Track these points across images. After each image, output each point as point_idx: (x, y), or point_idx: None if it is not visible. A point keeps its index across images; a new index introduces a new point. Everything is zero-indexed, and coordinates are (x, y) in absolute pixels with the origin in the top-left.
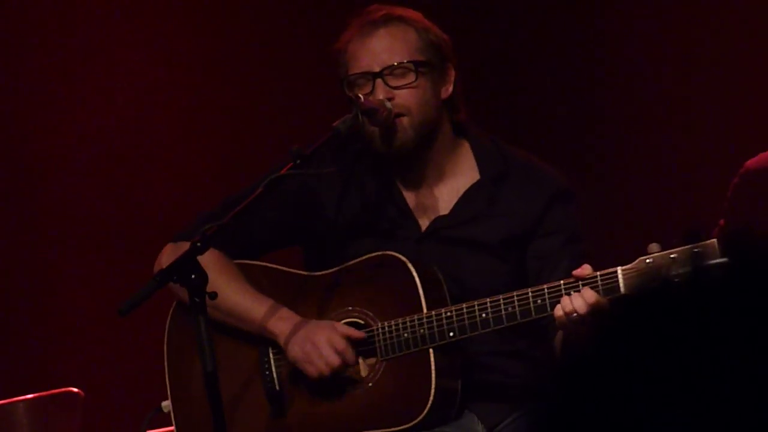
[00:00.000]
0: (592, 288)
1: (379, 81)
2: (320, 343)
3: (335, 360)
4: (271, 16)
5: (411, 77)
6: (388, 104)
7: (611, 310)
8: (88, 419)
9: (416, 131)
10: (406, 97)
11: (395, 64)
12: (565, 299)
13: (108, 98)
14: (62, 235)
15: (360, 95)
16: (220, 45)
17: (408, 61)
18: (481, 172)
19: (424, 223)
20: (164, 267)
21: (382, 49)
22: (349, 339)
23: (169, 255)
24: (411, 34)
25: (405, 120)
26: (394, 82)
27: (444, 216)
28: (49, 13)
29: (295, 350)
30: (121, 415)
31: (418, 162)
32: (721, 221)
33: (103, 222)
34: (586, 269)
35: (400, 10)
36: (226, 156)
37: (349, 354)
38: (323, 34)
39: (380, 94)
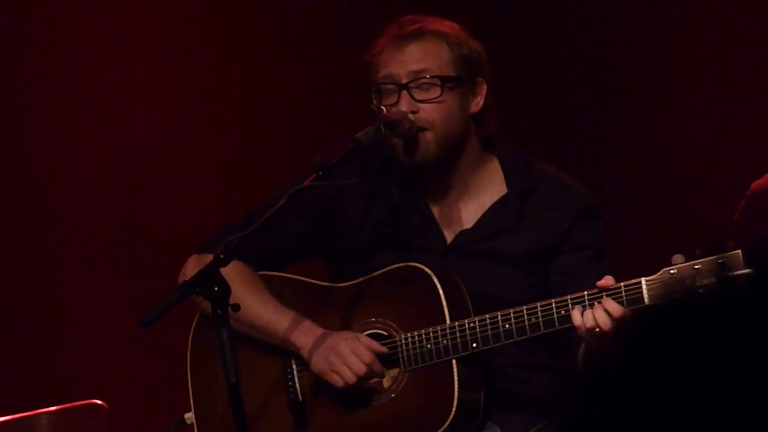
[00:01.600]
0: (615, 299)
1: (404, 93)
2: (345, 353)
3: (361, 368)
4: (298, 23)
5: (437, 92)
6: (411, 116)
7: (635, 321)
8: (112, 431)
9: (439, 146)
10: (430, 111)
11: (423, 77)
12: (587, 314)
13: (119, 103)
14: (85, 246)
15: (383, 107)
16: (241, 51)
17: (434, 76)
18: (508, 186)
19: (449, 236)
20: (188, 279)
21: (411, 61)
22: (373, 350)
23: (193, 267)
24: (443, 48)
25: (428, 134)
26: (419, 96)
27: (469, 229)
28: (58, 14)
29: (319, 362)
30: (145, 427)
31: (444, 175)
32: (731, 243)
33: (127, 233)
34: (609, 280)
35: (435, 23)
36: (246, 162)
37: (376, 364)
38: (348, 44)
39: (404, 106)
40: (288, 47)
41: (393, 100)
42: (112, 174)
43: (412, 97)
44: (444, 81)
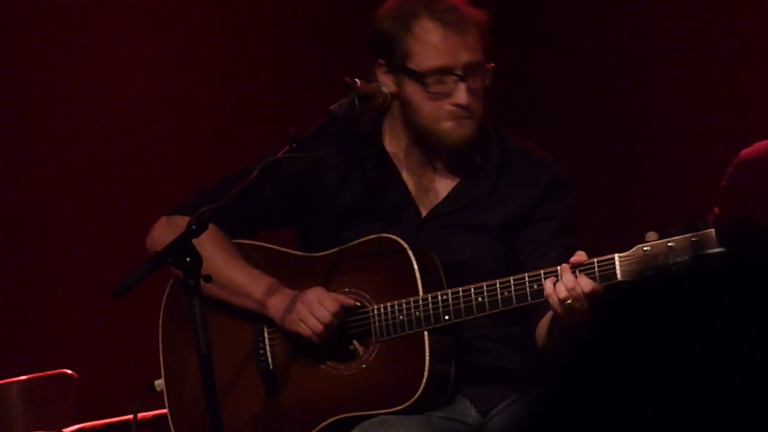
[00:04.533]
0: (588, 275)
1: (462, 85)
2: (311, 302)
3: (326, 316)
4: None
5: (484, 81)
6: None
7: (607, 297)
8: (82, 400)
9: (476, 132)
10: (479, 101)
11: (479, 68)
12: (559, 285)
13: (106, 94)
14: (53, 216)
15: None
16: (216, 34)
17: (489, 68)
18: (482, 158)
19: (424, 210)
20: (158, 245)
21: (469, 52)
22: (339, 302)
23: (162, 228)
24: (485, 35)
25: (472, 123)
26: (472, 84)
27: (443, 202)
28: (52, 12)
29: (287, 316)
30: (115, 395)
31: (423, 149)
32: (716, 209)
33: (97, 203)
34: (581, 256)
35: (469, 6)
36: (223, 136)
37: (339, 313)
38: (317, 21)
39: (464, 99)
40: (271, 31)
41: (446, 88)
42: (88, 151)
43: (468, 87)
44: (489, 70)
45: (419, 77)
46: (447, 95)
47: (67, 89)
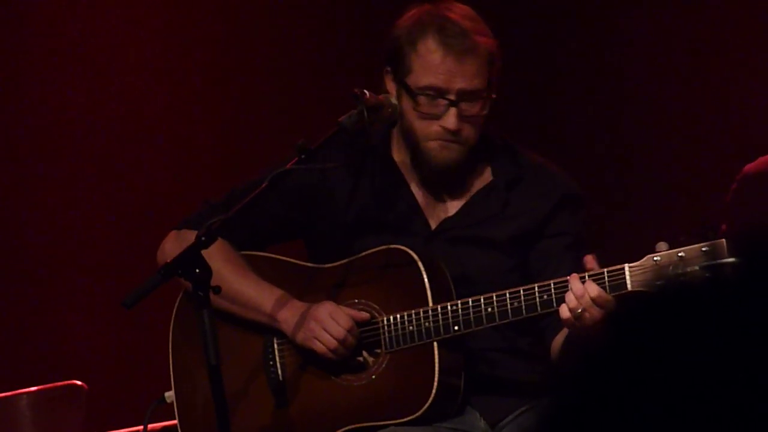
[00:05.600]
0: (598, 284)
1: (453, 110)
2: (324, 318)
3: (340, 332)
4: (279, 7)
5: (481, 109)
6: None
7: (620, 309)
8: (92, 411)
9: (465, 157)
10: (472, 129)
11: (475, 96)
12: (569, 295)
13: (108, 94)
14: (65, 227)
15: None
16: (226, 42)
17: (485, 95)
18: (494, 174)
19: (433, 222)
20: (168, 258)
21: (465, 79)
22: (352, 317)
23: (172, 242)
24: (489, 65)
25: (461, 148)
26: (466, 112)
27: (453, 216)
28: (54, 11)
29: (299, 332)
30: (125, 407)
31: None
32: (723, 226)
33: (107, 214)
34: (591, 262)
35: (480, 33)
36: (231, 145)
37: (354, 330)
38: (328, 28)
39: (452, 124)
40: (279, 41)
41: (436, 110)
42: (98, 161)
43: (460, 113)
44: (489, 99)
45: (413, 94)
46: (437, 117)
47: (78, 98)
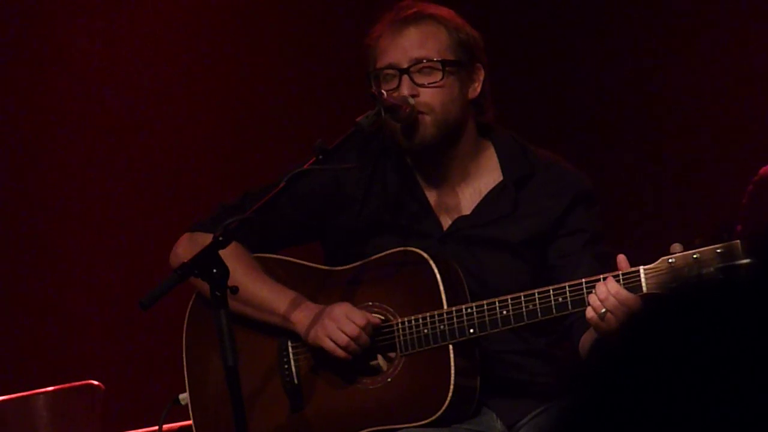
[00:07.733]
0: None
1: (405, 77)
2: (338, 317)
3: (354, 330)
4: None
5: (437, 76)
6: (411, 101)
7: (636, 311)
8: (108, 411)
9: (438, 129)
10: (431, 95)
11: (423, 61)
12: (592, 297)
13: (116, 92)
14: (82, 227)
15: (383, 91)
16: (244, 48)
17: (436, 60)
18: (504, 173)
19: (446, 223)
20: (183, 259)
21: (411, 45)
22: (366, 318)
23: (185, 245)
24: (441, 32)
25: (428, 118)
26: (420, 80)
27: (466, 216)
28: (56, 8)
29: (314, 331)
30: (141, 407)
31: (441, 161)
32: (738, 227)
33: (123, 214)
34: (623, 263)
35: (431, 8)
36: (246, 146)
37: (368, 328)
38: (345, 29)
39: (405, 90)
40: (288, 38)
41: (393, 84)
42: (109, 160)
43: (413, 81)
44: (444, 65)
45: (378, 80)
46: (395, 91)
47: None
